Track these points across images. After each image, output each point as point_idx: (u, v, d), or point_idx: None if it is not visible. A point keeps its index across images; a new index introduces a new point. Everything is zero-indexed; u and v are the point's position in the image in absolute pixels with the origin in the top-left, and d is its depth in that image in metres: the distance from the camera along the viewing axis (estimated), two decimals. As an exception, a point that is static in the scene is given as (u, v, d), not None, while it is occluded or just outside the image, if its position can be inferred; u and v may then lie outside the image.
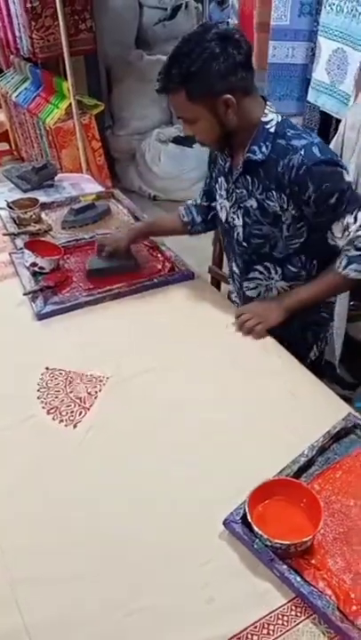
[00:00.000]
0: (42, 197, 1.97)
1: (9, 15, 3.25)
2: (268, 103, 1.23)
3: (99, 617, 0.81)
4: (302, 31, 2.02)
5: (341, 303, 1.89)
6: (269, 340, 1.32)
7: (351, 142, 1.74)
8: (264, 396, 1.17)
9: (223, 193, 1.37)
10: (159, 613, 0.81)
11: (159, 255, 1.66)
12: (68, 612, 0.82)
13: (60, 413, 1.14)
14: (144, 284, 1.52)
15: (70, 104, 3.04)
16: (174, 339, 1.34)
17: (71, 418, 1.13)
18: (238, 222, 1.34)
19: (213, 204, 1.47)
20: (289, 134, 1.19)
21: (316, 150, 1.16)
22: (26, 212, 1.81)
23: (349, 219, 1.21)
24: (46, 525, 0.94)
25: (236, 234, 1.37)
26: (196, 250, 2.14)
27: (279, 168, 1.18)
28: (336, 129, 1.87)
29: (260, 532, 0.85)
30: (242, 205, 1.31)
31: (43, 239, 1.71)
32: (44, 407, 1.15)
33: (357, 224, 1.21)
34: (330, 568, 0.85)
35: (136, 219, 1.88)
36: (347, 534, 0.90)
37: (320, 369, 1.50)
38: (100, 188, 2.22)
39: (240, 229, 1.35)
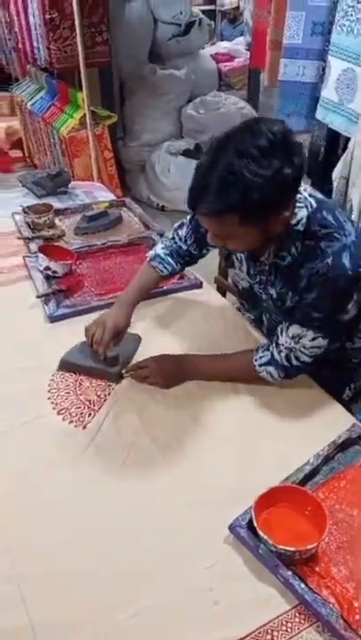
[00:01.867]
0: (55, 204, 2.00)
1: (28, 26, 3.31)
2: (298, 196, 1.05)
3: (104, 617, 0.82)
4: (313, 50, 2.06)
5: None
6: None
7: (359, 160, 1.77)
8: (271, 405, 1.19)
9: (244, 269, 1.26)
10: (164, 615, 0.82)
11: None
12: (72, 611, 0.83)
13: (70, 414, 1.15)
14: (153, 291, 1.53)
15: (84, 114, 3.09)
16: (183, 345, 1.36)
17: (81, 419, 1.14)
18: (265, 297, 1.25)
19: (204, 253, 1.40)
20: (320, 234, 1.04)
21: (345, 259, 1.01)
22: (40, 217, 1.84)
23: (309, 335, 1.09)
24: (54, 524, 0.95)
25: (265, 303, 1.27)
26: (202, 261, 2.16)
27: (302, 270, 1.06)
28: (345, 147, 1.90)
29: (265, 538, 0.86)
30: (266, 288, 1.22)
31: (56, 244, 1.74)
32: (54, 408, 1.17)
33: (309, 344, 1.11)
34: (334, 576, 0.86)
35: (147, 227, 1.91)
36: (350, 543, 0.91)
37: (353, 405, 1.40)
38: (112, 197, 2.25)
39: (265, 304, 1.27)
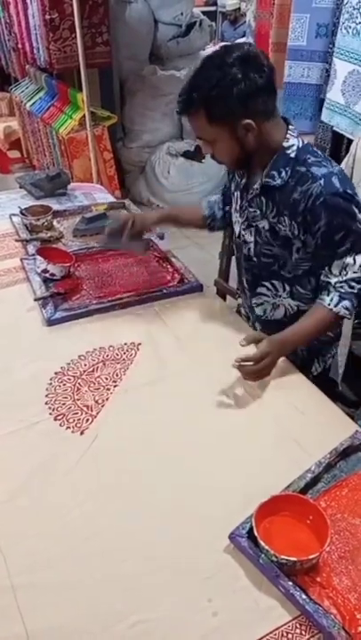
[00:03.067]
0: (54, 205, 1.98)
1: (27, 26, 3.31)
2: (290, 127, 1.22)
3: (101, 627, 0.80)
4: (318, 52, 2.06)
5: (346, 322, 1.89)
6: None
7: (362, 162, 1.76)
8: (272, 411, 1.17)
9: (237, 207, 1.37)
10: (162, 626, 0.81)
11: (168, 266, 1.67)
12: (70, 621, 0.81)
13: (67, 420, 1.14)
14: (153, 295, 1.53)
15: (84, 115, 3.09)
16: (183, 350, 1.35)
17: (78, 425, 1.13)
18: (250, 239, 1.35)
19: (226, 209, 1.49)
20: (310, 161, 1.18)
21: (335, 181, 1.15)
22: (38, 219, 1.83)
23: (350, 259, 1.20)
24: (50, 532, 0.93)
25: (246, 249, 1.37)
26: (203, 262, 2.15)
27: (296, 195, 1.18)
28: (348, 149, 1.89)
29: (266, 547, 0.84)
30: (253, 224, 1.31)
31: (54, 246, 1.72)
32: (51, 413, 1.16)
33: (356, 266, 1.21)
34: (335, 587, 0.85)
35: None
36: (352, 553, 0.89)
37: (323, 385, 1.48)
38: (111, 198, 2.24)
39: (251, 245, 1.35)
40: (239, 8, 5.85)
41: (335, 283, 1.23)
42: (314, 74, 2.08)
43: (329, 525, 0.86)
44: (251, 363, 1.18)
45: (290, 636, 0.79)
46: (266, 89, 1.12)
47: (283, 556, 0.82)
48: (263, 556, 0.85)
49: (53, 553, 0.90)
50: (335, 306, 1.23)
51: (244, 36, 5.65)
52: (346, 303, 1.23)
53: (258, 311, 1.45)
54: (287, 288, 1.36)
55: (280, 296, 1.38)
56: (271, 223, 1.26)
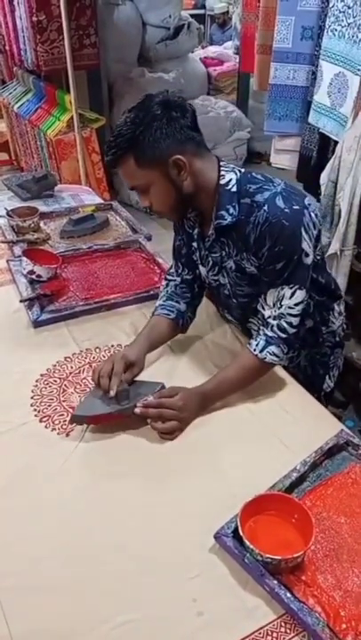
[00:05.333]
0: (41, 207, 1.98)
1: (14, 28, 3.29)
2: (221, 163, 1.16)
3: (86, 629, 0.80)
4: (303, 54, 2.06)
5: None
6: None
7: (347, 164, 1.78)
8: (257, 411, 1.18)
9: (198, 259, 1.30)
10: (147, 627, 0.80)
11: (155, 267, 1.67)
12: (54, 623, 0.81)
13: (53, 422, 1.13)
14: (140, 295, 1.52)
15: (72, 117, 3.08)
16: (170, 351, 1.35)
17: (64, 426, 1.12)
18: (224, 281, 1.27)
19: (198, 271, 1.36)
20: (251, 190, 1.12)
21: (279, 201, 1.09)
22: (25, 221, 1.82)
23: (286, 292, 1.13)
24: (35, 534, 0.93)
25: (225, 291, 1.30)
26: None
27: (248, 228, 1.12)
28: (334, 151, 1.91)
29: (251, 547, 0.84)
30: (223, 266, 1.24)
31: (41, 248, 1.72)
32: (36, 415, 1.15)
33: (292, 302, 1.13)
34: (320, 585, 0.85)
35: (134, 231, 1.90)
36: (337, 551, 0.90)
37: (332, 399, 1.43)
38: (99, 200, 2.24)
39: (228, 287, 1.28)
40: (227, 11, 5.88)
41: (268, 317, 1.16)
42: (300, 76, 2.09)
43: (314, 524, 0.87)
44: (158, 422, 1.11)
45: (275, 634, 0.79)
46: (190, 127, 1.09)
47: (268, 555, 0.83)
48: (248, 555, 0.85)
49: (38, 555, 0.90)
50: (260, 351, 1.16)
51: (232, 38, 5.67)
52: (272, 349, 1.15)
53: (253, 333, 1.29)
54: None
55: None
56: (236, 262, 1.20)
